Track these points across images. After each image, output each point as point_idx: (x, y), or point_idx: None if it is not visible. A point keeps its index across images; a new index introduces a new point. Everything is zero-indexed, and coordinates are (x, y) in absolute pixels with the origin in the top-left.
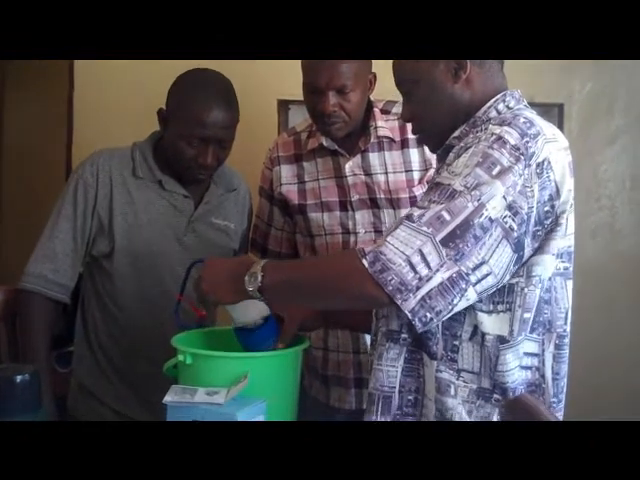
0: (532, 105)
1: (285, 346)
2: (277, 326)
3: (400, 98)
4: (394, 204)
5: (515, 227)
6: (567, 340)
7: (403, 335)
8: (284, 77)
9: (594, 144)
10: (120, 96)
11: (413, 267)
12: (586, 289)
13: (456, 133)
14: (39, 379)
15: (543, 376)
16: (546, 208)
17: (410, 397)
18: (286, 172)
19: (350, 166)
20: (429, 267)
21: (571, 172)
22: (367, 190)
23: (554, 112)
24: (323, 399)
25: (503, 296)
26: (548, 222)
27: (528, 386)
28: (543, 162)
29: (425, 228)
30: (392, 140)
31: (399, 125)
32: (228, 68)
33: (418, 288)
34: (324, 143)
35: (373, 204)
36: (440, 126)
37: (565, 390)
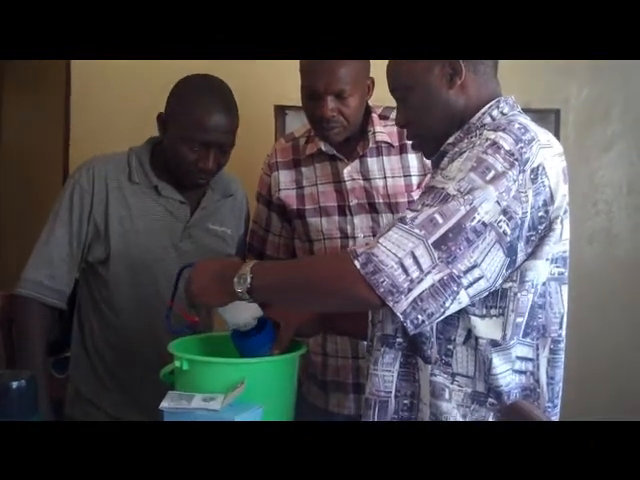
0: (528, 111)
1: (281, 352)
2: (273, 332)
3: None
4: (393, 209)
5: (508, 232)
6: (562, 345)
7: (398, 339)
8: (281, 82)
9: (591, 149)
10: (117, 97)
11: (405, 269)
12: (583, 293)
13: (450, 139)
14: (36, 385)
15: (538, 381)
16: (540, 213)
17: (406, 401)
18: (284, 177)
19: (348, 171)
20: (421, 269)
21: (565, 178)
22: (366, 195)
23: (551, 118)
24: (322, 405)
25: (496, 300)
26: (542, 227)
27: (523, 390)
28: (537, 168)
29: (417, 230)
30: (390, 145)
31: (397, 130)
32: (225, 73)
33: (410, 290)
34: (323, 148)
35: (372, 209)
36: (435, 132)
37: (560, 395)
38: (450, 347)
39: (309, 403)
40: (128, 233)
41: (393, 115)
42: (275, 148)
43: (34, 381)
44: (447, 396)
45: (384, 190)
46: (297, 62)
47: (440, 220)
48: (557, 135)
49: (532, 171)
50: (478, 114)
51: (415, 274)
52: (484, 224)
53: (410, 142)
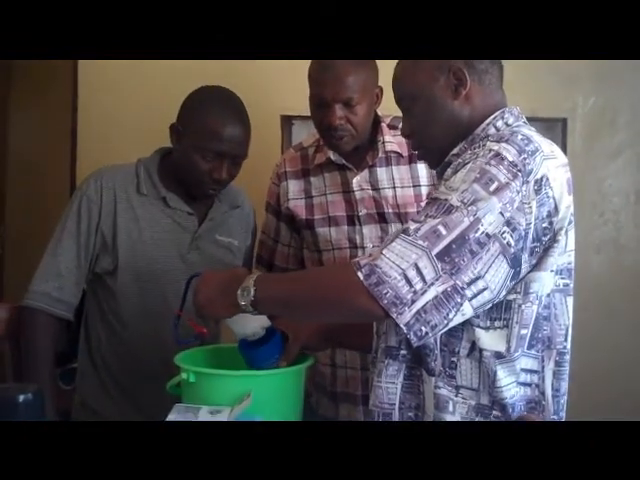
0: (535, 120)
1: (288, 364)
2: (282, 344)
3: None
4: (402, 219)
5: (512, 243)
6: (567, 357)
7: (402, 351)
8: (287, 92)
9: (598, 159)
10: (124, 99)
11: (408, 281)
12: (590, 303)
13: (455, 150)
14: (42, 398)
15: (543, 393)
16: (544, 225)
17: (410, 414)
18: (293, 187)
19: (358, 180)
20: (424, 281)
21: (570, 189)
22: (375, 205)
23: (558, 127)
24: (332, 416)
25: (500, 312)
26: (546, 239)
27: (527, 403)
28: (541, 179)
29: (421, 242)
30: (400, 155)
31: (407, 140)
32: (231, 83)
33: (413, 302)
34: (332, 157)
35: (381, 218)
36: (440, 142)
37: (565, 407)
38: (454, 359)
39: (319, 415)
40: (136, 244)
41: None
42: (284, 158)
43: (41, 395)
44: (451, 409)
45: (393, 200)
46: (303, 72)
47: (443, 231)
48: (564, 144)
49: (536, 182)
50: (482, 125)
51: (419, 286)
52: (488, 235)
53: None
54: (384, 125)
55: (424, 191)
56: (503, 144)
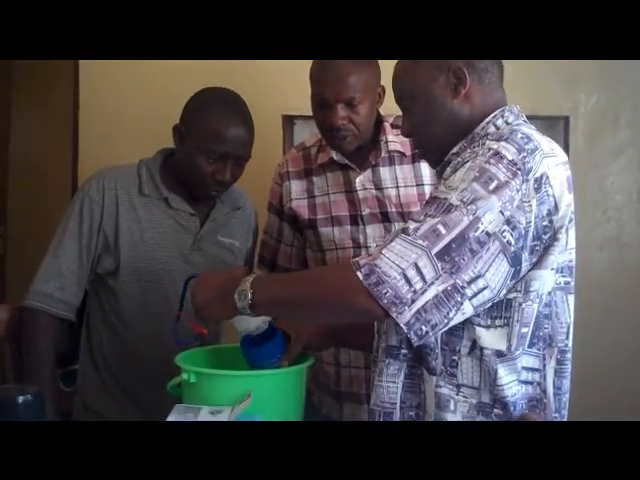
0: (537, 118)
1: (290, 364)
2: (284, 343)
3: None
4: (405, 218)
5: (513, 241)
6: (569, 355)
7: (403, 351)
8: (289, 92)
9: (600, 157)
10: (125, 103)
11: (408, 280)
12: (593, 301)
13: (455, 149)
14: (42, 399)
15: (544, 391)
16: (544, 223)
17: (411, 413)
18: (296, 187)
19: (361, 180)
20: (424, 280)
21: (570, 187)
22: (378, 204)
23: (560, 125)
24: (336, 416)
25: (501, 311)
26: (546, 237)
27: (529, 401)
28: (541, 177)
29: (420, 241)
30: (403, 154)
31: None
32: (233, 83)
33: (413, 301)
34: (334, 157)
35: (384, 218)
36: (440, 141)
37: (567, 405)
38: (455, 358)
39: (322, 415)
40: (138, 245)
41: None
42: (286, 158)
43: (40, 396)
44: (452, 407)
45: (396, 199)
46: (305, 72)
47: (443, 231)
48: (566, 143)
49: (535, 180)
50: (482, 123)
51: (418, 285)
52: (488, 234)
53: None
54: (387, 124)
55: (427, 190)
56: (502, 143)
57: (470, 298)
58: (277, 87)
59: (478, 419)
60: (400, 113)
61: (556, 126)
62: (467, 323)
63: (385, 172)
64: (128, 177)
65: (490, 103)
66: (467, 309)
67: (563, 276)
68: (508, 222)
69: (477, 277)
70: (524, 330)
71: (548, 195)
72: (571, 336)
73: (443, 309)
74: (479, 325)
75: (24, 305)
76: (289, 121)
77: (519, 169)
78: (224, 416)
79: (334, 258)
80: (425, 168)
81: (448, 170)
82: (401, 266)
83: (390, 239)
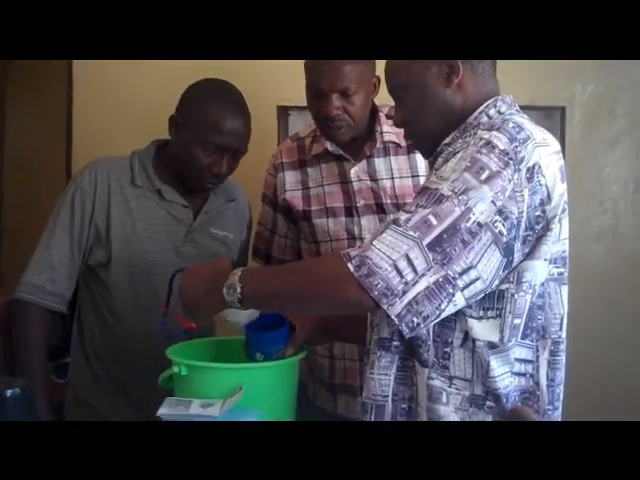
0: (534, 108)
1: (294, 352)
2: (289, 332)
3: None
4: (400, 209)
5: (505, 232)
6: (563, 346)
7: (395, 343)
8: (283, 83)
9: (597, 147)
10: (119, 97)
11: (399, 272)
12: (589, 292)
13: (447, 140)
14: (31, 393)
15: (537, 383)
16: (537, 213)
17: (404, 405)
18: (290, 178)
19: (355, 171)
20: (415, 271)
21: (563, 177)
22: (373, 195)
23: (556, 115)
24: (330, 409)
25: (493, 302)
26: (539, 227)
27: (522, 393)
28: (533, 167)
29: (412, 232)
30: (398, 145)
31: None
32: (227, 74)
33: (404, 292)
34: (329, 148)
35: (379, 209)
36: (432, 131)
37: (562, 397)
38: (447, 350)
39: (317, 407)
40: (130, 237)
41: None
42: (280, 149)
43: (29, 389)
44: (445, 400)
45: (391, 191)
46: (299, 62)
47: (434, 221)
48: (562, 133)
49: (528, 170)
50: (475, 113)
51: (410, 276)
52: (479, 225)
53: None
54: (382, 115)
55: (423, 181)
56: (494, 132)
57: (462, 289)
58: (272, 78)
59: (471, 411)
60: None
61: (552, 116)
62: (459, 314)
63: (380, 163)
64: (120, 168)
65: (483, 93)
66: (459, 300)
67: (556, 267)
68: (500, 212)
69: (469, 268)
70: (517, 321)
71: (540, 185)
72: (565, 327)
73: (435, 300)
74: (471, 317)
75: (15, 297)
76: (284, 112)
77: (511, 159)
78: (215, 409)
79: (328, 250)
80: (420, 159)
81: (440, 160)
82: (392, 257)
83: (381, 230)
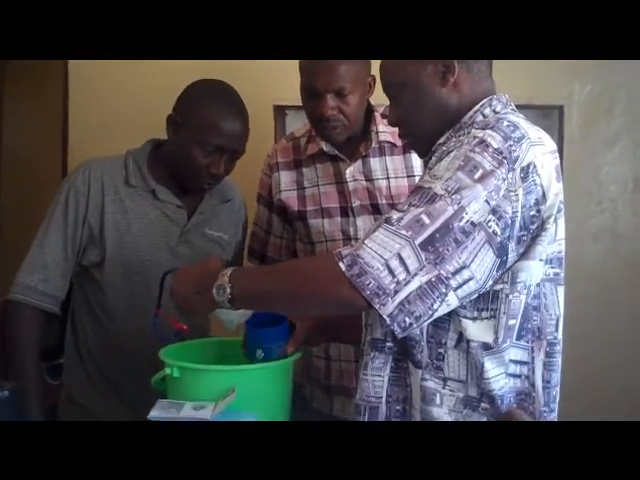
0: (532, 107)
1: (295, 349)
2: (289, 330)
3: None
4: (393, 208)
5: (499, 231)
6: (559, 348)
7: (388, 344)
8: (280, 82)
9: (595, 146)
10: (115, 97)
11: (391, 271)
12: (587, 293)
13: (442, 139)
14: (21, 396)
15: (533, 385)
16: (532, 213)
17: (398, 407)
18: (285, 178)
19: (351, 171)
20: (407, 271)
21: (559, 176)
22: (368, 196)
23: (554, 114)
24: (326, 410)
25: (487, 302)
26: (534, 227)
27: (517, 395)
28: (528, 166)
29: (404, 231)
30: (394, 145)
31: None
32: (224, 73)
33: (396, 292)
34: (324, 148)
35: (375, 210)
36: (427, 130)
37: (558, 399)
38: (441, 351)
39: (313, 408)
40: (124, 237)
41: None
42: (275, 148)
43: (18, 392)
44: (438, 401)
45: (387, 191)
46: (296, 62)
47: (427, 220)
48: (560, 132)
49: (522, 169)
50: (470, 112)
51: (402, 276)
52: (473, 224)
53: None
54: (377, 114)
55: None
56: (488, 131)
57: (455, 289)
58: (269, 77)
59: (465, 413)
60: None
61: (550, 115)
62: (453, 315)
63: (375, 163)
64: (115, 168)
65: (478, 92)
66: (452, 300)
67: (552, 267)
68: (494, 212)
69: (462, 268)
70: (511, 322)
71: (535, 184)
72: (560, 328)
73: (427, 300)
74: (465, 317)
75: (8, 298)
76: (281, 111)
77: (505, 158)
78: (207, 411)
79: (324, 250)
80: (416, 159)
81: (433, 159)
82: (384, 256)
83: (373, 229)
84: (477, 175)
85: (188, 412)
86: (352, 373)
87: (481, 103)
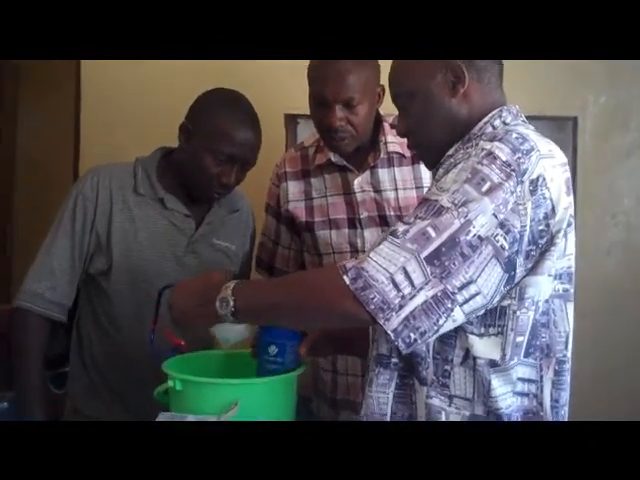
0: (545, 119)
1: (306, 351)
2: (301, 334)
3: None
4: (399, 221)
5: (506, 246)
6: (568, 366)
7: (393, 360)
8: (292, 90)
9: (609, 158)
10: (126, 103)
11: (396, 285)
12: (601, 307)
13: (450, 151)
14: (20, 406)
15: (541, 403)
16: (540, 227)
17: None
18: (293, 188)
19: (359, 182)
20: (413, 285)
21: (569, 190)
22: (376, 207)
23: (568, 125)
24: None
25: (494, 319)
26: (543, 241)
27: (525, 414)
28: (537, 179)
29: (409, 245)
30: (402, 156)
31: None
32: (235, 81)
33: (401, 307)
34: (332, 159)
35: (382, 221)
36: (436, 141)
37: (566, 418)
38: (447, 368)
39: None
40: (130, 245)
41: None
42: (284, 158)
43: (17, 403)
44: (444, 419)
45: (395, 202)
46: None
47: (433, 234)
48: (574, 143)
49: (531, 182)
50: (479, 124)
51: (407, 290)
52: (480, 238)
53: None
54: (386, 125)
55: None
56: (496, 143)
57: (461, 304)
58: (280, 86)
59: None
60: None
61: (564, 127)
62: (459, 331)
63: (384, 174)
64: (123, 175)
65: (489, 103)
66: (458, 316)
67: (562, 283)
68: (502, 225)
69: (468, 283)
70: (519, 339)
71: (545, 198)
72: (570, 346)
73: (432, 316)
74: (472, 333)
75: (15, 305)
76: (292, 120)
77: (513, 170)
78: None
79: (331, 262)
80: (425, 170)
81: (440, 171)
82: (389, 270)
83: (378, 242)
84: (484, 188)
85: None
86: (359, 387)
87: (491, 114)
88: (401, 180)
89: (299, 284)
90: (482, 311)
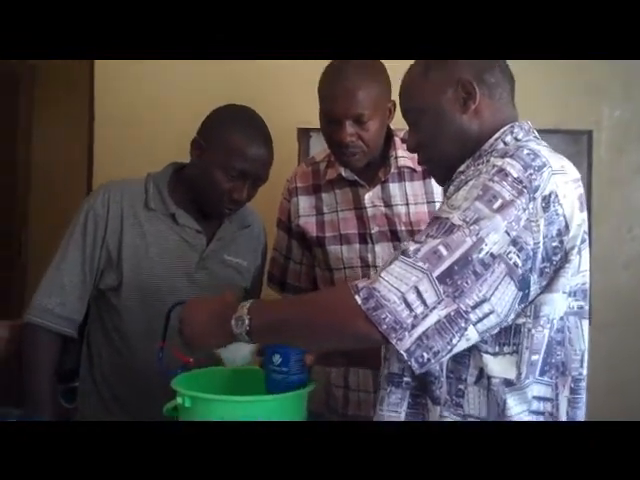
0: (560, 132)
1: (313, 360)
2: None
3: None
4: (411, 239)
5: (520, 263)
6: (584, 384)
7: (405, 379)
8: (304, 105)
9: (624, 171)
10: (139, 107)
11: (408, 305)
12: (618, 321)
13: (461, 167)
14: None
15: None
16: (554, 244)
17: None
18: (304, 203)
19: (370, 197)
20: (425, 304)
21: (582, 206)
22: (387, 222)
23: (583, 139)
24: None
25: (509, 337)
26: (557, 258)
27: None
28: (550, 195)
29: (421, 264)
30: (413, 170)
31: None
32: (248, 95)
33: (414, 327)
34: (343, 174)
35: (394, 236)
36: (447, 157)
37: None
38: (461, 387)
39: None
40: (142, 261)
41: None
42: (295, 172)
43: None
44: None
45: (406, 217)
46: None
47: (445, 252)
48: (589, 157)
49: (543, 199)
50: (491, 140)
51: (419, 310)
52: (492, 256)
53: None
54: (397, 139)
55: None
56: (507, 159)
57: (475, 323)
58: (293, 100)
59: None
60: None
61: (579, 140)
62: (473, 350)
63: (395, 188)
64: (135, 191)
65: (500, 119)
66: (472, 335)
67: (576, 300)
68: (514, 243)
69: (482, 301)
70: (534, 357)
71: (557, 214)
72: (586, 364)
73: (446, 335)
74: (486, 352)
75: (25, 320)
76: (305, 134)
77: (525, 187)
78: None
79: (342, 278)
80: (436, 185)
81: (451, 188)
82: (401, 290)
83: (390, 261)
84: (496, 205)
85: None
86: (370, 404)
87: (502, 130)
88: (412, 195)
89: (313, 304)
90: (496, 330)
